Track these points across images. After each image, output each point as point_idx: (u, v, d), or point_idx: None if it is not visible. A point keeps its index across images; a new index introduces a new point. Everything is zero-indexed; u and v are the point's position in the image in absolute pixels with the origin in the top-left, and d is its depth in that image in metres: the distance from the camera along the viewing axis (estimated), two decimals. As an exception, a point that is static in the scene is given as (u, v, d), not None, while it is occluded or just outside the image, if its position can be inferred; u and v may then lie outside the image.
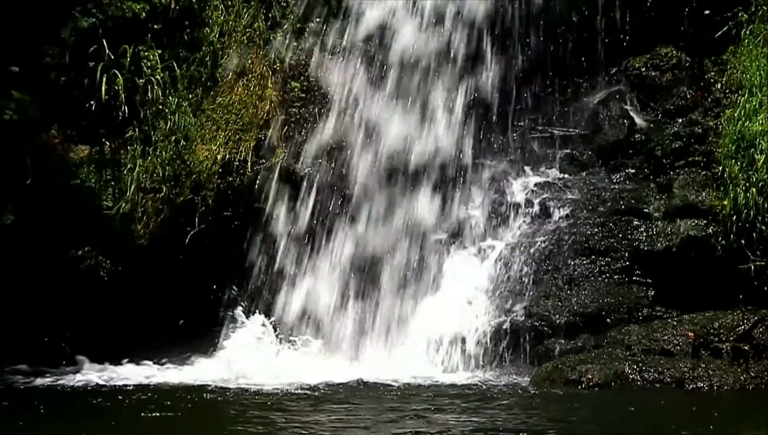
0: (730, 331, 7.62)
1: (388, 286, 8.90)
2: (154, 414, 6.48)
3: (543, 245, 8.81)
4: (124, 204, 8.57)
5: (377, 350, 8.65)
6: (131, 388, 7.45)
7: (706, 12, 9.33)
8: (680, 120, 9.33)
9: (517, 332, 8.28)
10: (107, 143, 8.75)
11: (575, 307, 8.33)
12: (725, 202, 8.21)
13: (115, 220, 8.56)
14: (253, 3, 9.49)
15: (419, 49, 9.68)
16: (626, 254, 8.55)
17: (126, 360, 8.28)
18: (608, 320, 8.23)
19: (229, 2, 9.41)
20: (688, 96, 9.45)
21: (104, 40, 8.65)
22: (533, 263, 8.72)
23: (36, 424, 6.13)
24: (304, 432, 5.84)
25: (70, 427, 6.10)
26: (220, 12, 9.33)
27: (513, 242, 8.99)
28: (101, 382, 7.70)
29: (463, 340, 8.37)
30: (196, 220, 8.73)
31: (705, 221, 8.37)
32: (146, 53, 8.80)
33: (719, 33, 9.18)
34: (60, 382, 7.73)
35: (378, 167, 9.27)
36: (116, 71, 8.67)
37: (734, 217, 8.09)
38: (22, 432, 5.96)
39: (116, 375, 7.95)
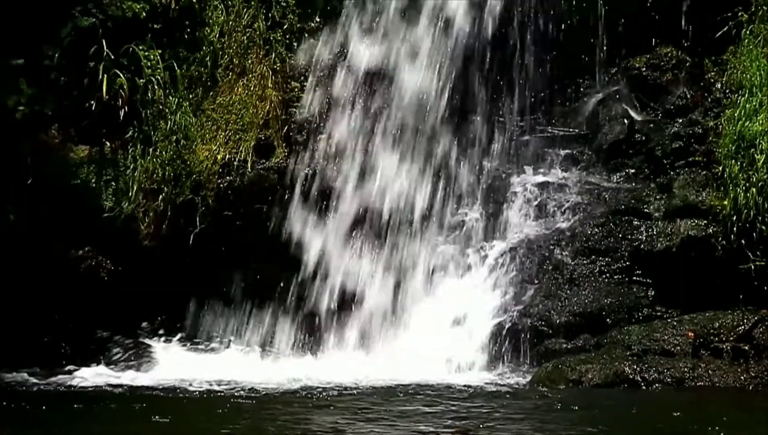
0: (730, 331, 7.63)
1: (388, 286, 8.89)
2: (152, 415, 6.48)
3: (543, 245, 8.81)
4: (124, 204, 8.57)
5: (375, 351, 8.65)
6: (131, 388, 7.45)
7: (706, 12, 9.34)
8: (680, 120, 9.34)
9: (517, 332, 8.28)
10: (107, 143, 8.75)
11: (575, 307, 8.33)
12: (725, 202, 8.22)
13: (116, 220, 8.56)
14: (253, 3, 9.49)
15: (418, 47, 9.69)
16: (626, 254, 8.55)
17: (125, 360, 8.28)
18: (608, 320, 8.23)
19: (229, 2, 9.41)
20: (688, 96, 9.46)
21: (104, 40, 8.65)
22: (533, 263, 8.72)
23: (29, 428, 6.11)
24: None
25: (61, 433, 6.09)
26: (220, 12, 9.33)
27: (513, 242, 8.99)
28: (100, 384, 7.69)
29: (463, 340, 8.36)
30: (197, 220, 8.73)
31: (705, 221, 8.37)
32: (146, 53, 8.80)
33: (719, 33, 9.18)
34: (58, 383, 7.71)
35: (377, 166, 9.27)
36: (116, 71, 8.67)
37: (734, 217, 8.10)
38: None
39: (116, 375, 7.94)
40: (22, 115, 7.87)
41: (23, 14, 8.39)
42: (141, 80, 8.79)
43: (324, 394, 7.16)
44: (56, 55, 8.57)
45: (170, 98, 8.89)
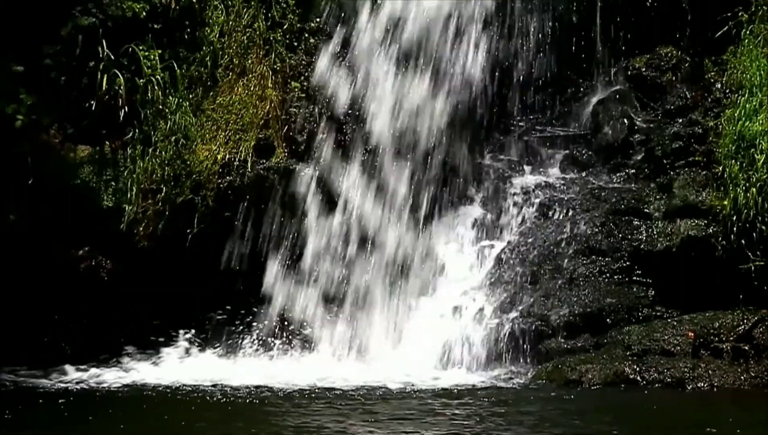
0: (730, 331, 7.63)
1: (388, 286, 8.89)
2: (154, 415, 6.48)
3: (543, 245, 8.81)
4: (125, 206, 8.55)
5: (376, 351, 8.64)
6: (132, 389, 7.46)
7: (706, 12, 9.35)
8: (680, 120, 9.34)
9: (517, 332, 8.28)
10: (107, 143, 8.74)
11: (575, 307, 8.33)
12: (725, 202, 8.21)
13: (116, 220, 8.55)
14: (253, 3, 9.48)
15: (418, 47, 9.69)
16: (626, 254, 8.55)
17: (124, 361, 8.28)
18: (608, 320, 8.23)
19: (229, 2, 9.41)
20: (688, 96, 9.46)
21: (104, 40, 8.64)
22: (533, 263, 8.72)
23: (29, 428, 6.10)
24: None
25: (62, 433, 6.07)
26: (220, 12, 9.32)
27: (513, 242, 8.99)
28: (101, 384, 7.68)
29: (463, 341, 8.36)
30: (195, 220, 8.72)
31: (705, 221, 8.37)
32: (146, 53, 8.79)
33: (719, 33, 9.18)
34: (58, 383, 7.71)
35: (377, 166, 9.26)
36: (116, 71, 8.66)
37: (734, 217, 8.09)
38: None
39: (116, 376, 7.94)
40: (22, 123, 7.88)
41: (23, 14, 8.39)
42: (141, 80, 8.78)
43: (326, 394, 7.16)
44: (56, 55, 8.56)
45: (170, 98, 8.88)
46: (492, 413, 6.39)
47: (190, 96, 9.05)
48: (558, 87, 9.98)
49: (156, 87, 8.79)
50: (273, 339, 8.70)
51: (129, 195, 8.56)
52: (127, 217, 8.52)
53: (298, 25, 9.68)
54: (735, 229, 8.07)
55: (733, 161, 8.29)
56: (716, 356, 7.58)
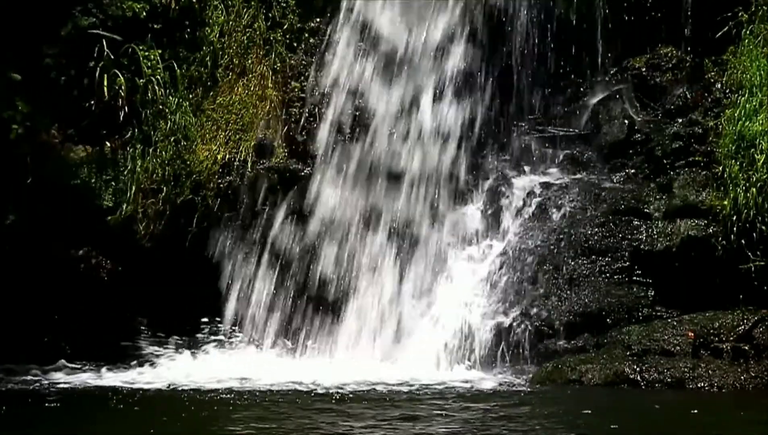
0: (730, 331, 7.63)
1: (389, 286, 8.89)
2: (153, 416, 6.48)
3: (543, 245, 8.81)
4: (124, 204, 8.56)
5: (376, 350, 8.65)
6: (131, 389, 7.46)
7: (706, 12, 9.36)
8: (680, 120, 9.34)
9: (517, 332, 8.28)
10: (107, 143, 8.75)
11: (575, 307, 8.33)
12: (725, 202, 8.22)
13: (116, 220, 8.55)
14: (253, 3, 9.50)
15: (419, 48, 9.70)
16: (626, 254, 8.55)
17: (123, 361, 8.29)
18: (608, 320, 8.23)
19: (229, 2, 9.42)
20: (688, 96, 9.46)
21: (104, 40, 8.64)
22: (533, 263, 8.72)
23: (29, 428, 6.10)
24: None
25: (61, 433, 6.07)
26: (220, 12, 9.34)
27: (513, 242, 8.99)
28: (100, 384, 7.69)
29: (463, 341, 8.36)
30: (195, 220, 8.73)
31: (705, 221, 8.37)
32: (146, 53, 8.80)
33: (719, 33, 9.19)
34: (58, 383, 7.71)
35: (378, 166, 9.27)
36: (116, 71, 8.66)
37: (734, 217, 8.10)
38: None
39: (116, 376, 7.95)
40: (16, 133, 7.90)
41: (23, 15, 8.39)
42: (141, 80, 8.79)
43: (329, 394, 7.16)
44: (56, 55, 8.56)
45: (170, 98, 8.89)
46: (493, 413, 6.39)
47: (190, 96, 9.06)
48: (558, 87, 9.98)
49: (156, 87, 8.80)
50: (273, 339, 8.71)
51: (129, 195, 8.57)
52: (123, 212, 8.52)
53: (298, 25, 9.69)
54: (735, 229, 8.07)
55: (733, 161, 8.29)
56: (716, 356, 7.57)
